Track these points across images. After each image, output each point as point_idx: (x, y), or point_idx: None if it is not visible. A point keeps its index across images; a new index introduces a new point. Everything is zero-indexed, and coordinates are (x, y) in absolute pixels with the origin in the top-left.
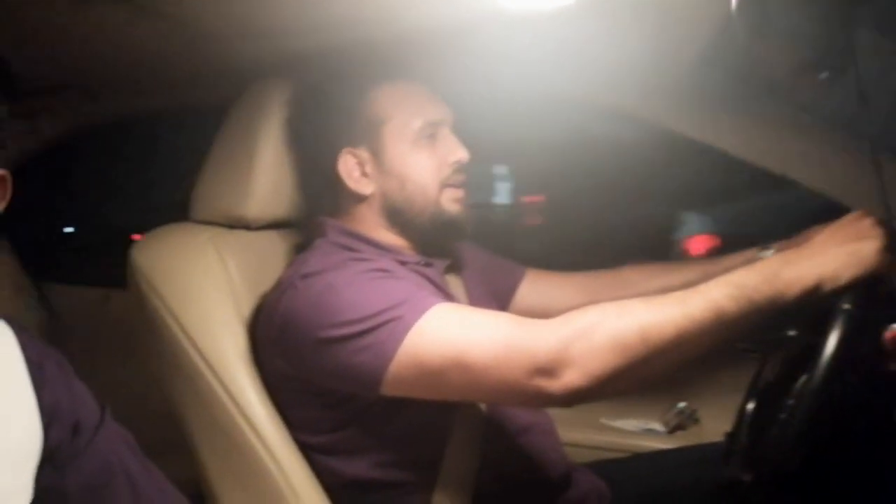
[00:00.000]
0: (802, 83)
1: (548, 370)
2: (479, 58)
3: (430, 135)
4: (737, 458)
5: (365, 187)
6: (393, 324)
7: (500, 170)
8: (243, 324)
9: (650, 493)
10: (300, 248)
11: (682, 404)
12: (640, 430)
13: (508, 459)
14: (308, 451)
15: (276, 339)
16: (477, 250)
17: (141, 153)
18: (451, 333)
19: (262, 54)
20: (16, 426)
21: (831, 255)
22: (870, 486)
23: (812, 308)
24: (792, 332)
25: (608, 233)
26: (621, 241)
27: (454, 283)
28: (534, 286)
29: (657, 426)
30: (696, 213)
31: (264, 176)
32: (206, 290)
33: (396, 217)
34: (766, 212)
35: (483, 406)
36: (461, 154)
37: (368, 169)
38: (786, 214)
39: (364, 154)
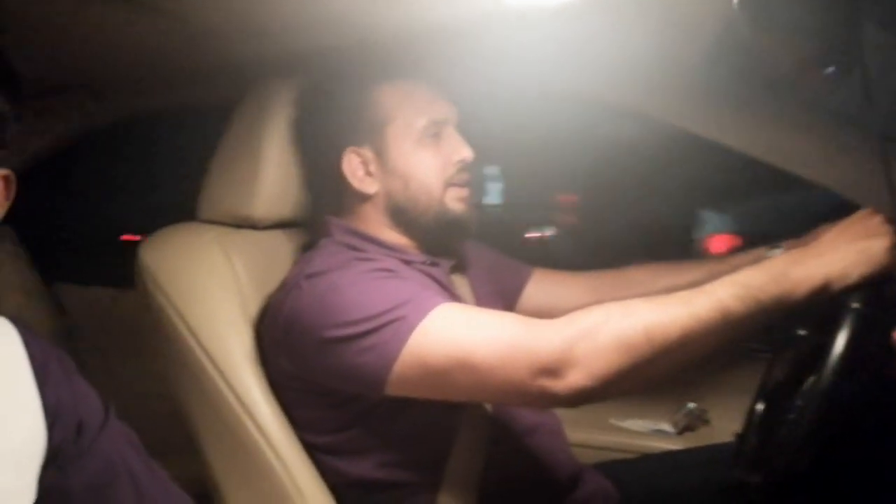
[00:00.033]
0: (807, 78)
1: (552, 370)
2: (484, 56)
3: (434, 134)
4: (745, 459)
5: (369, 187)
6: (397, 324)
7: (492, 170)
8: (249, 323)
9: (658, 493)
10: (306, 248)
11: (691, 405)
12: (649, 431)
13: (514, 460)
14: (313, 450)
15: (281, 339)
16: (483, 250)
17: (146, 153)
18: (456, 333)
19: (265, 53)
20: (19, 426)
21: (840, 254)
22: (879, 487)
23: (823, 307)
24: (802, 332)
25: (630, 232)
26: (642, 240)
27: (460, 282)
28: (540, 286)
29: (666, 427)
30: (717, 212)
31: (270, 175)
32: (212, 290)
33: (401, 216)
34: (789, 210)
35: (489, 406)
36: (465, 153)
37: (372, 168)
38: (809, 213)
39: (368, 153)
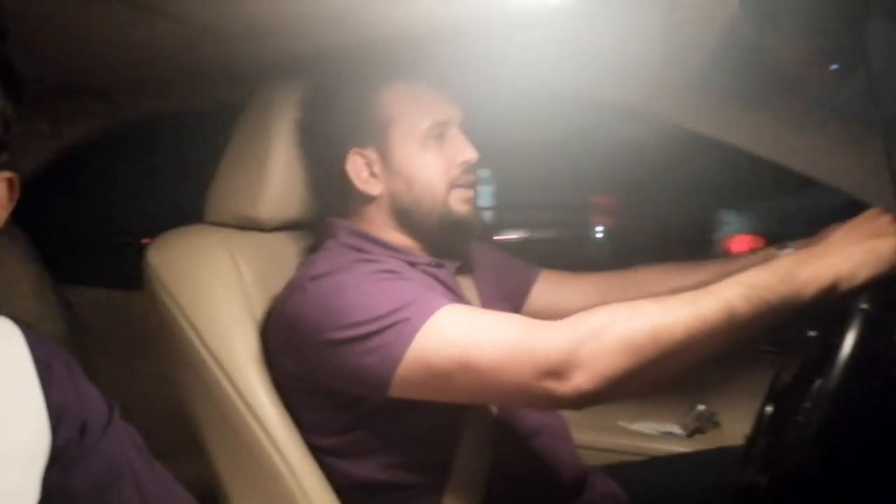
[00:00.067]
0: (812, 76)
1: (557, 372)
2: (488, 57)
3: (438, 135)
4: (754, 461)
5: (373, 188)
6: (401, 325)
7: (482, 173)
8: (254, 324)
9: (666, 497)
10: (312, 249)
11: (701, 407)
12: (658, 434)
13: (519, 462)
14: (317, 452)
15: (285, 340)
16: (490, 251)
17: (164, 155)
18: (460, 335)
19: (269, 55)
20: (24, 426)
21: (847, 254)
22: (888, 490)
23: (834, 308)
24: (812, 333)
25: (656, 233)
26: (667, 241)
27: (466, 283)
28: (547, 287)
29: (676, 429)
30: (737, 212)
31: (276, 177)
32: (218, 291)
33: (405, 218)
34: (811, 210)
35: (493, 408)
36: (470, 154)
37: (377, 169)
38: (832, 212)
39: (372, 154)
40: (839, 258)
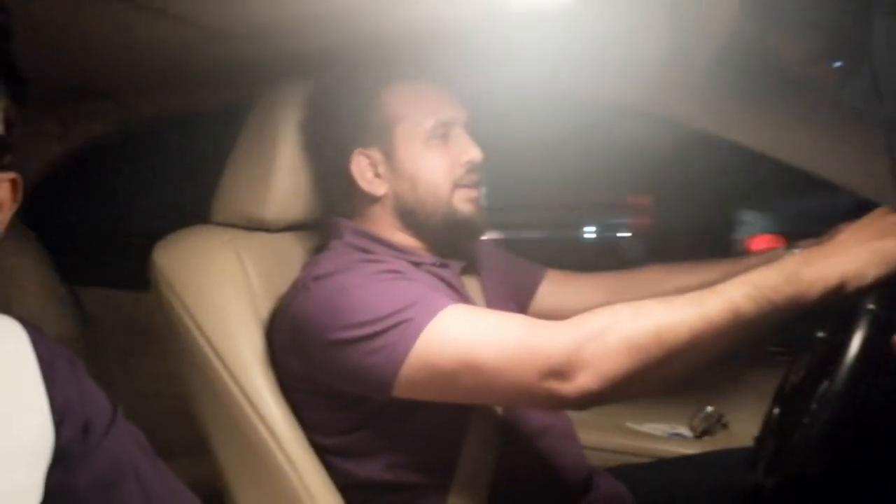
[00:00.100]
0: (815, 73)
1: (560, 372)
2: (492, 56)
3: (442, 135)
4: (761, 463)
5: (378, 188)
6: (404, 325)
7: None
8: (260, 324)
9: (673, 498)
10: (318, 250)
11: (709, 409)
12: (666, 435)
13: (524, 462)
14: (322, 452)
15: (289, 340)
16: (496, 251)
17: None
18: (463, 335)
19: (273, 55)
20: (27, 425)
21: (854, 254)
22: (894, 490)
23: (844, 308)
24: (821, 334)
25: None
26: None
27: (471, 284)
28: (554, 287)
29: (684, 431)
30: (758, 211)
31: (283, 178)
32: (223, 291)
33: (410, 218)
34: (833, 209)
35: (498, 408)
36: (474, 153)
37: (381, 170)
38: (857, 212)
39: (376, 155)
40: (846, 258)
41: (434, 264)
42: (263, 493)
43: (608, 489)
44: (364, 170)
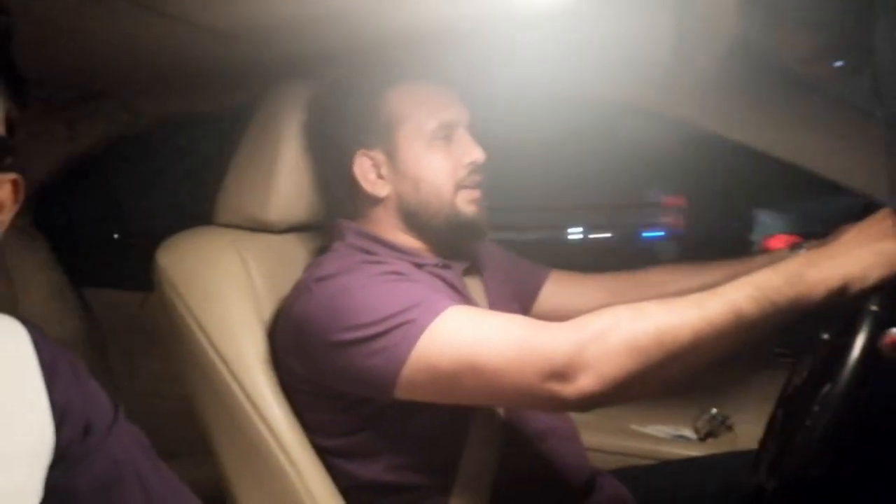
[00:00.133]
0: (817, 72)
1: (562, 374)
2: (495, 57)
3: (444, 136)
4: (764, 465)
5: (380, 189)
6: (406, 327)
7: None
8: (263, 326)
9: (676, 501)
10: (321, 251)
11: (713, 411)
12: (670, 437)
13: (526, 463)
14: (324, 453)
15: (292, 341)
16: (500, 251)
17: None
18: (464, 336)
19: (275, 56)
20: (28, 426)
21: (857, 256)
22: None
23: (848, 310)
24: (825, 336)
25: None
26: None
27: (474, 284)
28: (557, 287)
29: (688, 433)
30: (775, 211)
31: (286, 179)
32: (226, 292)
33: (412, 219)
34: (851, 209)
35: (500, 410)
36: (476, 154)
37: (384, 171)
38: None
39: (379, 156)
40: (848, 260)
41: (437, 265)
42: (265, 494)
43: (611, 491)
44: (367, 171)
